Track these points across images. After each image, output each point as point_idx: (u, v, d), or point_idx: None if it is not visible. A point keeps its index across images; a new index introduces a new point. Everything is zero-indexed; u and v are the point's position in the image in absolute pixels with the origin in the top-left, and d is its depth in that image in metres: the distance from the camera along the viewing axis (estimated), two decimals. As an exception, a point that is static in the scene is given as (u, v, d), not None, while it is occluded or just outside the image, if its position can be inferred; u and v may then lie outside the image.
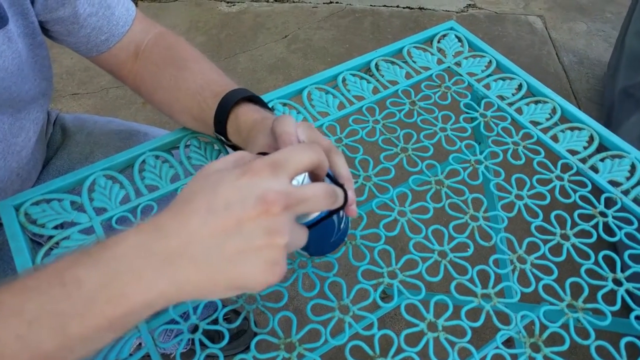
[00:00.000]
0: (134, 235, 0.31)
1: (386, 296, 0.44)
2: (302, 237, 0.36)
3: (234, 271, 0.31)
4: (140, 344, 0.46)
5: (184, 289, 0.31)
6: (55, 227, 0.52)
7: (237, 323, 0.46)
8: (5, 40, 0.50)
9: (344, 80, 0.69)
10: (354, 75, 0.70)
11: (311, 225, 0.39)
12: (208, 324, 0.46)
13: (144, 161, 0.59)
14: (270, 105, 0.65)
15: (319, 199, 0.34)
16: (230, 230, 0.31)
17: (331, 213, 0.40)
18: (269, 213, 0.31)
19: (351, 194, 0.42)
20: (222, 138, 0.56)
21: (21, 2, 0.51)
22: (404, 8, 2.19)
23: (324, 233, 0.44)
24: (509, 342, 0.48)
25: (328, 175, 0.40)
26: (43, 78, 0.60)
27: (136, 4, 2.15)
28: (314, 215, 0.39)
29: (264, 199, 0.31)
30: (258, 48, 1.97)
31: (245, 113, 0.52)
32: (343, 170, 0.42)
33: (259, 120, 0.50)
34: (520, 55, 1.95)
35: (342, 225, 0.46)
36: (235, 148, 0.58)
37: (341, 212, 0.42)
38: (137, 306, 0.30)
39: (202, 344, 0.46)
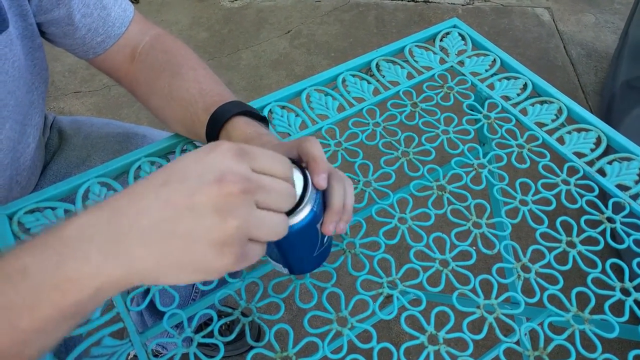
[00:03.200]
0: (84, 216, 0.29)
1: (391, 296, 0.43)
2: (270, 229, 0.33)
3: (185, 250, 0.29)
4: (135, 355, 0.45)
5: (133, 270, 0.29)
6: (49, 237, 0.52)
7: (232, 336, 0.45)
8: (7, 43, 0.49)
9: (343, 81, 0.67)
10: (354, 75, 0.68)
11: (294, 232, 0.37)
12: (203, 336, 0.45)
13: (139, 167, 0.58)
14: (268, 108, 0.63)
15: (278, 194, 0.33)
16: (181, 206, 0.29)
17: (314, 221, 0.38)
18: (225, 193, 0.29)
19: (331, 227, 0.40)
20: None
21: (20, 2, 0.50)
22: (408, 1, 2.15)
23: (306, 244, 0.41)
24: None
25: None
26: (42, 81, 0.59)
27: (137, 1, 2.15)
28: (299, 219, 0.37)
29: (222, 177, 0.29)
30: (261, 44, 1.95)
31: (237, 128, 0.50)
32: (335, 199, 0.40)
33: (254, 136, 0.48)
34: (527, 49, 1.92)
35: (325, 240, 0.43)
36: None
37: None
38: (86, 292, 0.28)
39: (196, 357, 0.45)
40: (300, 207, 0.37)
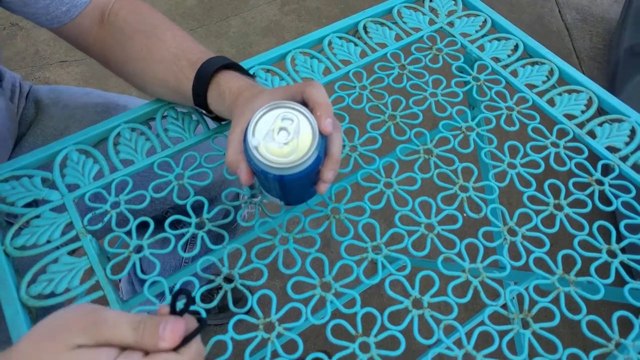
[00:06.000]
0: None
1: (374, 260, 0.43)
2: None
3: None
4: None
5: None
6: (26, 205, 0.50)
7: (214, 303, 0.44)
8: None
9: (330, 43, 0.65)
10: (340, 38, 0.66)
11: (301, 176, 0.39)
12: (185, 304, 0.45)
13: (119, 134, 0.56)
14: (252, 72, 0.61)
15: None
16: None
17: (318, 164, 0.40)
18: None
19: (331, 175, 0.42)
20: (202, 110, 0.53)
21: None
22: (401, -35, 2.09)
23: (308, 184, 0.43)
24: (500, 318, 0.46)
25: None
26: None
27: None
28: (306, 165, 0.39)
29: None
30: (250, 10, 1.90)
31: (228, 80, 0.49)
32: (335, 148, 0.42)
33: (247, 87, 0.48)
34: (522, 14, 1.88)
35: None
36: (216, 118, 0.55)
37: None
38: None
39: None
40: (309, 154, 0.38)
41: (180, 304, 0.33)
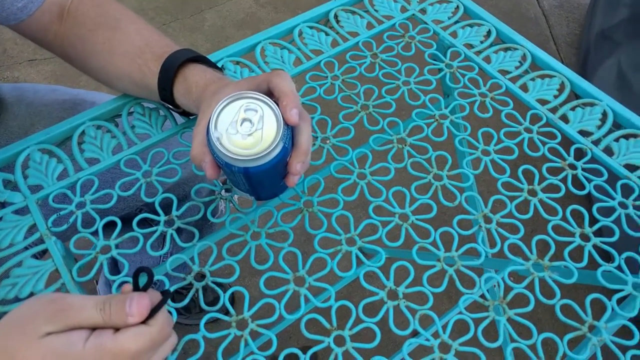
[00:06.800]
0: None
1: (365, 253, 0.42)
2: None
3: None
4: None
5: None
6: (-13, 209, 0.48)
7: (185, 302, 0.43)
8: None
9: (300, 33, 0.64)
10: (311, 27, 0.65)
11: (267, 168, 0.38)
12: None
13: (83, 132, 0.54)
14: (220, 64, 0.60)
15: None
16: None
17: (285, 156, 0.39)
18: None
19: (299, 167, 0.41)
20: (169, 105, 0.52)
21: None
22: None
23: (276, 177, 0.42)
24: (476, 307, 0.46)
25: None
26: None
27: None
28: (271, 157, 0.38)
29: None
30: (225, 3, 1.87)
31: (195, 74, 0.48)
32: (303, 139, 0.41)
33: (213, 80, 0.46)
34: (499, 0, 1.88)
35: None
36: (184, 113, 0.54)
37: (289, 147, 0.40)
38: None
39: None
40: (274, 145, 0.37)
41: (142, 281, 0.35)
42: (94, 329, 0.32)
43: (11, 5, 0.51)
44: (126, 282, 0.46)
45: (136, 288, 0.35)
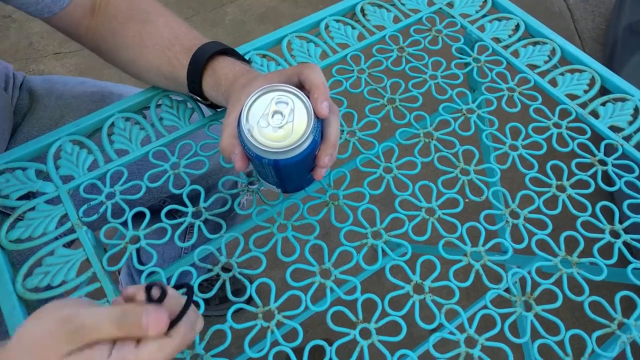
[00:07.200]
0: None
1: (374, 246, 0.42)
2: None
3: None
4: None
5: None
6: (21, 198, 0.50)
7: (212, 293, 0.44)
8: None
9: (327, 27, 0.64)
10: (337, 21, 0.65)
11: (296, 161, 0.38)
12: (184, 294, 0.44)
13: (113, 124, 0.55)
14: (247, 57, 0.60)
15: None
16: None
17: (314, 149, 0.39)
18: None
19: (327, 160, 0.40)
20: (197, 97, 0.52)
21: None
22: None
23: (305, 170, 0.42)
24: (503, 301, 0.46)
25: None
26: None
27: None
28: (301, 149, 0.38)
29: None
30: (246, -3, 1.87)
31: (224, 66, 0.48)
32: (332, 132, 0.40)
33: (242, 72, 0.47)
34: (523, -6, 1.85)
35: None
36: (211, 106, 0.54)
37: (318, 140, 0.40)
38: None
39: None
40: (304, 137, 0.37)
41: (156, 293, 0.32)
42: (114, 340, 0.31)
43: None
44: (154, 272, 0.47)
45: (149, 300, 0.32)
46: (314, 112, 0.38)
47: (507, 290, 0.45)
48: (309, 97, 0.39)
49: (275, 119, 0.38)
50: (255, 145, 0.37)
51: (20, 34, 1.73)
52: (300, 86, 0.41)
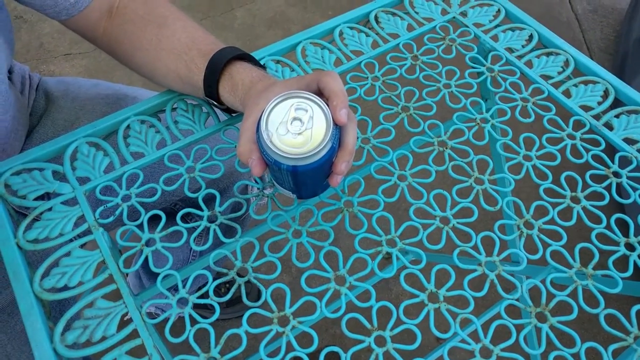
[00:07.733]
0: None
1: (389, 256, 0.42)
2: None
3: None
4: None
5: None
6: (38, 199, 0.50)
7: (228, 297, 0.44)
8: None
9: (341, 34, 0.64)
10: (351, 28, 0.65)
11: (314, 168, 0.39)
12: (198, 297, 0.44)
13: (128, 126, 0.55)
14: (262, 62, 0.61)
15: None
16: None
17: (332, 156, 0.40)
18: None
19: (344, 167, 0.41)
20: (213, 102, 0.52)
21: None
22: (408, -45, 2.06)
23: (321, 176, 0.42)
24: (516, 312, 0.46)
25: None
26: (4, 41, 0.55)
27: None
28: (320, 156, 0.38)
29: None
30: (256, 1, 1.88)
31: (241, 71, 0.49)
32: (349, 139, 0.41)
33: (260, 78, 0.47)
34: (531, 4, 1.85)
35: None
36: (227, 110, 0.55)
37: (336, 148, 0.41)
38: None
39: (192, 318, 0.44)
40: (323, 144, 0.38)
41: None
42: None
43: (64, 1, 0.52)
44: (169, 275, 0.47)
45: None
46: (333, 120, 0.39)
47: (520, 299, 0.45)
48: (327, 104, 0.39)
49: (295, 126, 0.38)
50: (274, 151, 0.38)
51: (31, 35, 1.75)
52: (319, 93, 0.42)
